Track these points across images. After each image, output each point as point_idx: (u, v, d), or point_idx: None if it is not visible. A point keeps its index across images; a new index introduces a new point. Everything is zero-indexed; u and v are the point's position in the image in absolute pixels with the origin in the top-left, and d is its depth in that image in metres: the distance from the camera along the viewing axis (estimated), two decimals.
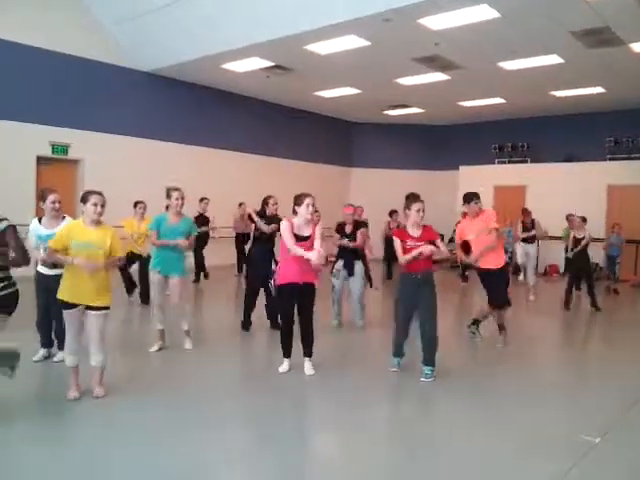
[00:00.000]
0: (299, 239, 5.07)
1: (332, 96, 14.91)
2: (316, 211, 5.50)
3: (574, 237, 9.58)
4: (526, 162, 16.19)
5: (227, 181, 14.06)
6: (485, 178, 16.31)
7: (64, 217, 5.29)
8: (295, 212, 5.17)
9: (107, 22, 11.76)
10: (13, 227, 3.86)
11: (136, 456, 3.50)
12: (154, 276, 5.94)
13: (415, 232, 5.16)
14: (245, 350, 6.59)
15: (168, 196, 5.95)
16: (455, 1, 8.47)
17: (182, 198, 5.93)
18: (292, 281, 5.11)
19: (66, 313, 4.39)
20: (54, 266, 5.07)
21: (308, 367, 5.27)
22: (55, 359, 5.30)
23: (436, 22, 9.35)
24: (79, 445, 3.70)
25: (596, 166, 14.73)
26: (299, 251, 4.97)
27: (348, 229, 7.48)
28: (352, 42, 10.43)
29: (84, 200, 4.39)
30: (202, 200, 11.29)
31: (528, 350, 6.67)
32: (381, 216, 12.27)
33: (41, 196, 5.32)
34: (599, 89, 13.13)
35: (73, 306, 4.36)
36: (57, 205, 5.17)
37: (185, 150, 13.64)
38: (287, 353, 5.33)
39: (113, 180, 11.14)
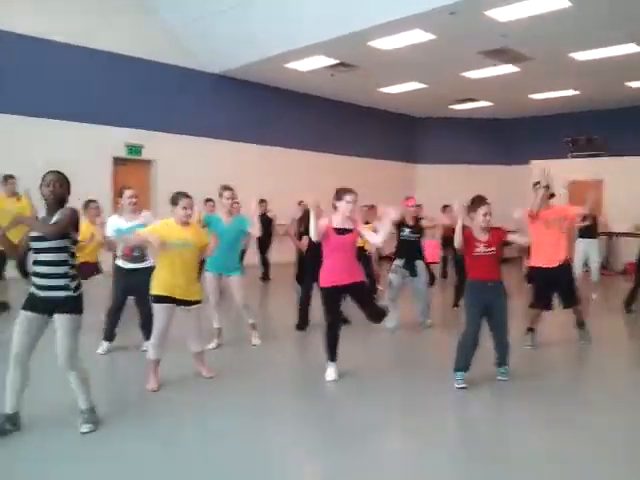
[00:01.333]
0: (340, 232, 4.81)
1: (397, 92, 14.80)
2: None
3: None
4: (602, 156, 15.51)
5: (291, 179, 14.21)
6: (558, 172, 15.74)
7: (141, 211, 5.65)
8: (335, 207, 4.91)
9: (176, 26, 12.15)
10: (71, 210, 3.65)
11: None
12: (209, 275, 5.92)
13: (483, 236, 4.80)
14: (299, 350, 6.55)
15: (220, 195, 5.90)
16: None
17: (234, 197, 5.91)
18: (336, 283, 4.83)
19: (158, 307, 4.60)
20: (133, 260, 5.42)
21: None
22: (143, 348, 5.49)
23: (503, 14, 9.13)
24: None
25: None
26: (317, 224, 4.63)
27: (411, 222, 7.07)
28: (417, 36, 10.33)
29: (174, 202, 4.64)
30: (261, 202, 11.23)
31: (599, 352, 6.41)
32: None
33: (120, 193, 5.68)
34: None
35: (166, 300, 4.57)
36: (134, 200, 5.54)
37: (251, 149, 13.93)
38: (332, 356, 4.97)
39: (183, 179, 11.43)
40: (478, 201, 4.84)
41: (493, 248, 4.80)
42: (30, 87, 10.49)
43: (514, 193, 15.76)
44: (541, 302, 6.26)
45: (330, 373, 4.94)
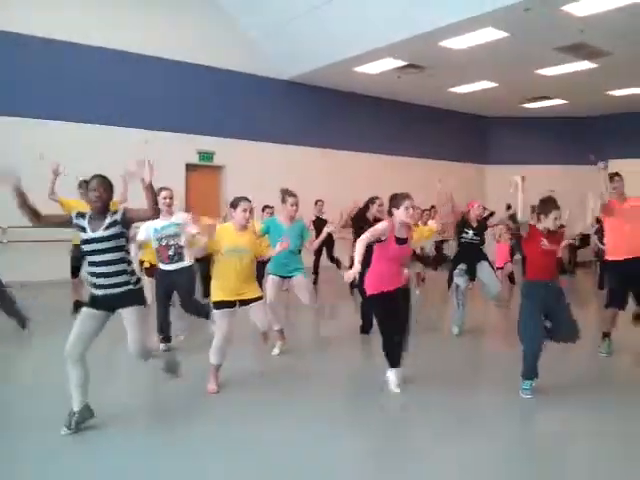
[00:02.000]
0: (399, 242, 4.58)
1: (467, 91, 14.50)
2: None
3: None
4: None
5: (359, 182, 14.02)
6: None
7: (174, 212, 5.81)
8: (391, 214, 4.66)
9: (252, 35, 12.37)
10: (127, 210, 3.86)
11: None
12: (271, 278, 5.94)
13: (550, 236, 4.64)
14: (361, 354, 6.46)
15: (283, 201, 5.86)
16: None
17: (297, 204, 5.84)
18: (383, 290, 4.59)
19: (218, 314, 4.62)
20: (171, 261, 5.66)
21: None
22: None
23: (580, 8, 8.78)
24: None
25: None
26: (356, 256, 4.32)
27: (474, 223, 6.84)
28: (489, 35, 10.10)
29: (234, 206, 4.67)
30: (317, 202, 11.08)
31: None
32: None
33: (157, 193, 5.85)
34: None
35: (226, 305, 4.61)
36: (167, 201, 5.68)
37: (319, 153, 14.00)
38: (393, 362, 4.71)
39: (253, 185, 11.61)
40: (550, 204, 4.67)
41: (557, 246, 4.70)
42: (107, 97, 10.95)
43: (593, 194, 15.12)
44: (616, 300, 5.86)
45: (392, 380, 4.70)
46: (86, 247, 3.74)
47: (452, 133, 17.10)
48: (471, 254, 6.77)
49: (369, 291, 4.69)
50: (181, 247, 5.63)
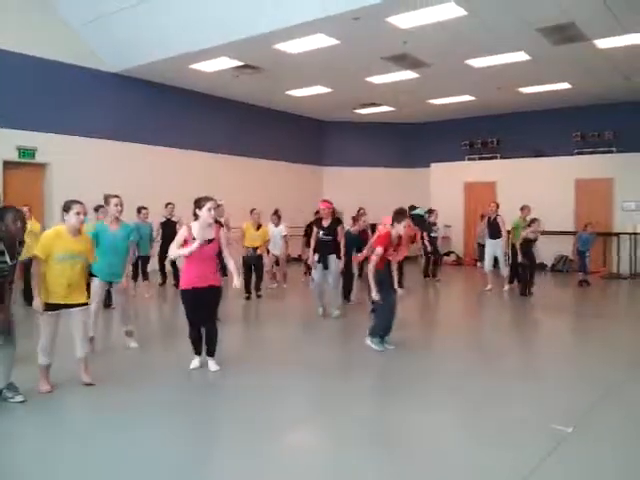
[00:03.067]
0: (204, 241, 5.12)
1: (303, 95, 14.89)
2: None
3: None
4: (496, 158, 16.41)
5: (194, 181, 13.72)
6: (456, 175, 16.52)
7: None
8: (196, 215, 5.17)
9: (75, 23, 11.56)
10: None
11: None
12: (96, 281, 5.96)
13: (395, 241, 6.06)
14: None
15: (106, 202, 6.12)
16: (422, 0, 8.54)
17: (121, 204, 6.02)
18: (195, 285, 5.12)
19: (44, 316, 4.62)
20: None
21: None
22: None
23: (404, 20, 9.40)
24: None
25: (564, 161, 15.01)
26: (181, 251, 5.10)
27: (325, 223, 7.92)
28: (322, 41, 10.44)
29: (66, 209, 4.71)
30: (167, 205, 10.92)
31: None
32: (352, 214, 12.27)
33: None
34: (565, 85, 13.35)
35: (53, 308, 4.66)
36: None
37: (152, 151, 13.49)
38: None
39: (80, 183, 10.93)
40: (401, 215, 6.13)
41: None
42: None
43: (416, 195, 16.34)
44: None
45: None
46: None
47: (290, 135, 17.48)
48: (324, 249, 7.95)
49: (181, 285, 5.25)
50: None
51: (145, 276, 9.96)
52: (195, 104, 14.48)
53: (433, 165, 17.10)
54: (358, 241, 8.91)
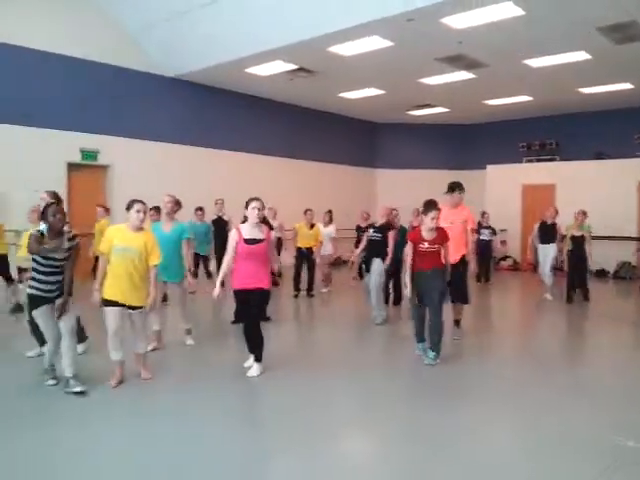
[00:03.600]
0: (249, 242, 5.12)
1: (356, 97, 14.91)
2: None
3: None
4: (555, 160, 15.96)
5: (248, 183, 13.92)
6: (513, 177, 16.15)
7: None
8: (246, 217, 5.30)
9: (135, 30, 11.93)
10: None
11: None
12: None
13: (429, 235, 5.74)
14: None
15: (128, 208, 5.65)
16: (478, 0, 8.42)
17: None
18: (244, 287, 5.17)
19: (107, 310, 4.86)
20: None
21: None
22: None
23: (459, 21, 9.28)
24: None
25: (626, 163, 14.44)
26: (219, 278, 5.27)
27: (377, 223, 8.01)
28: (376, 43, 10.43)
29: (128, 208, 4.90)
30: (217, 202, 10.71)
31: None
32: (408, 217, 12.19)
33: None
34: (628, 85, 12.88)
35: (114, 304, 4.87)
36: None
37: (208, 153, 13.78)
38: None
39: (139, 183, 11.30)
40: (429, 206, 5.80)
41: (436, 246, 5.75)
42: None
43: (471, 197, 16.05)
44: None
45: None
46: None
47: (343, 137, 17.52)
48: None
49: (233, 286, 5.26)
50: None
51: (208, 275, 10.11)
52: (249, 107, 14.69)
53: (489, 167, 16.76)
54: None
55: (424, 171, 17.90)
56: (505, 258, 15.97)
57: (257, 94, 14.57)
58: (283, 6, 9.81)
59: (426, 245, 5.72)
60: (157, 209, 8.23)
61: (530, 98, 14.54)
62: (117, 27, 11.90)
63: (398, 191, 16.95)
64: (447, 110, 16.31)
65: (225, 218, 10.63)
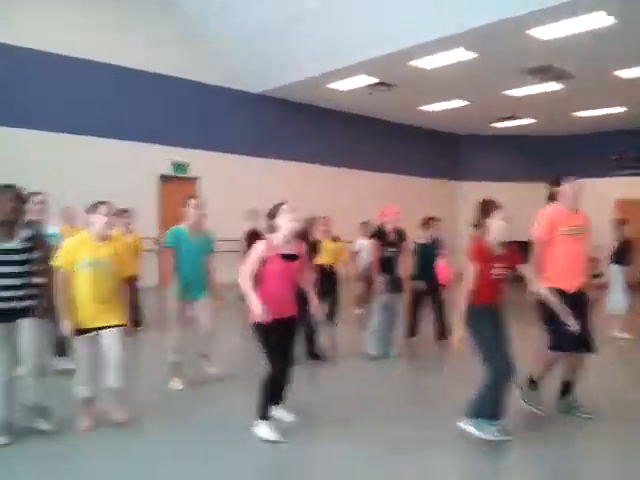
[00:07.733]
0: (286, 257, 4.02)
1: (437, 109, 14.82)
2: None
3: None
4: None
5: (325, 197, 14.16)
6: (604, 191, 15.44)
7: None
8: (272, 228, 4.13)
9: (222, 49, 12.45)
10: None
11: None
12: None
13: (498, 250, 4.01)
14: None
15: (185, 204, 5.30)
16: (568, 11, 8.22)
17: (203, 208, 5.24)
18: (278, 317, 3.99)
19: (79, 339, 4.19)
20: None
21: None
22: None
23: (546, 32, 9.10)
24: None
25: None
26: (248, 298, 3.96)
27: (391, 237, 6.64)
28: (460, 55, 10.37)
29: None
30: (250, 213, 9.71)
31: None
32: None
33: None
34: None
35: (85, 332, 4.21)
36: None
37: (287, 165, 14.14)
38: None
39: (226, 195, 11.94)
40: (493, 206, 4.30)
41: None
42: (76, 106, 10.92)
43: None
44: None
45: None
46: None
47: (424, 149, 17.42)
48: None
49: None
50: None
51: None
52: (330, 121, 14.95)
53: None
54: None
55: (509, 183, 17.44)
56: (596, 276, 15.24)
57: (336, 108, 14.77)
58: (369, 20, 9.88)
59: (499, 269, 3.96)
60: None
61: (623, 109, 13.91)
62: (210, 48, 12.50)
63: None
64: (533, 121, 15.85)
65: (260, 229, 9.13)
